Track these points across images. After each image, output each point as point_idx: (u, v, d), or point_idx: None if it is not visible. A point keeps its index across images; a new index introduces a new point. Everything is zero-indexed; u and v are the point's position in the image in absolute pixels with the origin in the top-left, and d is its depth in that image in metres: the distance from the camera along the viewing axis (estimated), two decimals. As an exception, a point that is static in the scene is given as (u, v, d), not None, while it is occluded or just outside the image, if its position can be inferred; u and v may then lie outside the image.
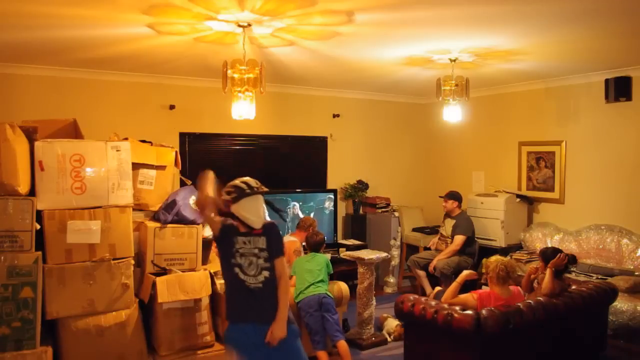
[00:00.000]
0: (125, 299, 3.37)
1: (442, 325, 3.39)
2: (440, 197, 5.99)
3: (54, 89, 5.07)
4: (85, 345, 3.24)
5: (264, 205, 2.90)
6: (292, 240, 4.68)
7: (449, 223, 5.78)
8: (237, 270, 2.80)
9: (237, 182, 2.86)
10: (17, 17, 3.37)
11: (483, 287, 4.07)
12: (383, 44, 4.13)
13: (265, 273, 2.81)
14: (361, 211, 6.77)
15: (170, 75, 5.53)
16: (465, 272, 3.88)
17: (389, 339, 4.76)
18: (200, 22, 3.47)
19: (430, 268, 5.59)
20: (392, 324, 4.85)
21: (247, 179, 2.88)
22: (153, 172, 3.79)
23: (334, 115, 6.69)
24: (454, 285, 3.77)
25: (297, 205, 6.06)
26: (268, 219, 3.01)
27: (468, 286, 3.85)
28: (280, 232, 2.99)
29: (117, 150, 3.41)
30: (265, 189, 2.88)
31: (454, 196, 5.82)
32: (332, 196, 6.39)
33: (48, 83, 5.05)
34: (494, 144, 6.59)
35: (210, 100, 5.68)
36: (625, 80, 5.11)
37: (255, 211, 2.82)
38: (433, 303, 3.61)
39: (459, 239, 5.57)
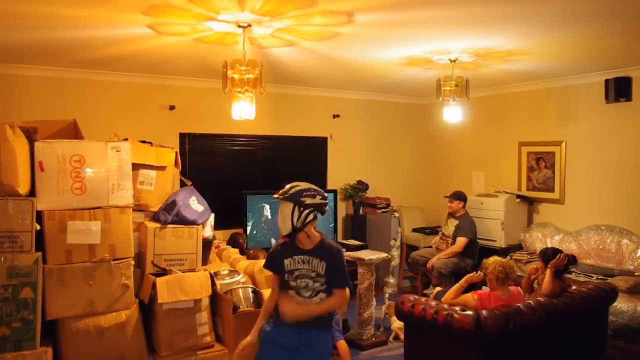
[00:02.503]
0: (125, 300, 3.37)
1: (442, 326, 3.39)
2: (446, 197, 5.98)
3: (54, 89, 5.07)
4: (85, 346, 3.24)
5: (289, 212, 2.63)
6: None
7: (452, 223, 5.78)
8: (292, 292, 2.69)
9: None
10: (17, 18, 3.37)
11: (483, 287, 4.06)
12: (383, 45, 4.13)
13: (322, 295, 2.67)
14: (361, 211, 6.77)
15: (170, 76, 5.53)
16: (470, 275, 3.86)
17: (400, 336, 4.70)
18: (200, 22, 3.47)
19: (429, 265, 5.61)
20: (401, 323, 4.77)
21: (292, 183, 2.70)
22: (153, 173, 3.78)
23: (334, 116, 6.69)
24: (457, 286, 3.76)
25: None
26: (319, 231, 2.78)
27: (470, 286, 3.84)
28: (343, 257, 2.74)
29: (117, 151, 3.40)
30: (289, 196, 2.65)
31: (460, 196, 5.82)
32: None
33: (48, 83, 5.05)
34: (494, 144, 6.59)
35: (210, 100, 5.68)
36: (625, 81, 5.11)
37: (281, 217, 2.66)
38: (433, 303, 3.61)
39: (461, 241, 5.58)
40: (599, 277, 4.82)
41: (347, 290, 2.77)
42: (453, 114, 4.86)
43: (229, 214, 5.57)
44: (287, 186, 2.71)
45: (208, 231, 3.89)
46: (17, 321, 3.03)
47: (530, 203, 6.10)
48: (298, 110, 6.45)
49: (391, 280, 6.40)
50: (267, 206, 5.82)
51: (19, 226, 3.04)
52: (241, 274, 3.93)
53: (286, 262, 2.71)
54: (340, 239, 6.57)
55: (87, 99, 5.20)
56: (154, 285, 3.38)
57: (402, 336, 4.69)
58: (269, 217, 5.81)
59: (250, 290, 3.75)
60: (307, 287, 2.67)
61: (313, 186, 2.72)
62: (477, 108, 6.31)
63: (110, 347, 3.30)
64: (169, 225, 3.59)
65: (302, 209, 2.63)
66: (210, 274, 3.67)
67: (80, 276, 3.24)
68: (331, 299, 2.68)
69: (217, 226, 4.16)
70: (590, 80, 5.43)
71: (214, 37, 3.81)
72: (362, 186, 6.70)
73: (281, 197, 2.67)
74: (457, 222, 5.74)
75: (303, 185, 2.70)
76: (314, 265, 2.67)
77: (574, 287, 4.12)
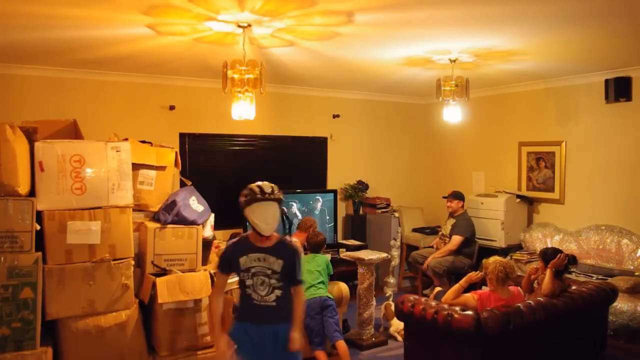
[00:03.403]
0: (125, 300, 3.37)
1: (442, 326, 3.39)
2: (444, 197, 5.98)
3: (54, 89, 5.07)
4: (85, 346, 3.24)
5: (277, 213, 2.74)
6: (293, 240, 4.67)
7: (450, 223, 5.79)
8: (249, 291, 2.75)
9: (253, 185, 2.76)
10: (17, 17, 3.37)
11: (483, 287, 4.06)
12: (383, 45, 4.13)
13: (278, 292, 2.74)
14: (361, 211, 6.76)
15: (170, 76, 5.53)
16: (470, 274, 3.86)
17: (398, 338, 4.71)
18: (200, 22, 3.47)
19: (424, 266, 5.62)
20: (400, 325, 4.79)
21: (263, 183, 2.76)
22: (153, 173, 3.78)
23: (334, 116, 6.69)
24: (457, 286, 3.76)
25: (295, 205, 6.06)
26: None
27: (470, 286, 3.84)
28: (301, 257, 2.86)
29: (117, 151, 3.41)
30: (278, 196, 2.73)
31: (458, 196, 5.83)
32: (319, 197, 6.37)
33: (48, 83, 5.05)
34: (494, 144, 6.59)
35: (210, 100, 5.68)
36: (625, 81, 5.11)
37: (263, 218, 2.70)
38: (433, 303, 3.61)
39: (456, 239, 5.59)
40: (599, 277, 4.82)
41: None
42: (453, 114, 4.86)
43: (229, 214, 5.55)
44: (267, 185, 2.75)
45: (208, 231, 3.89)
46: (17, 321, 3.03)
47: (530, 203, 6.10)
48: (298, 110, 6.45)
49: (391, 280, 6.40)
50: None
51: (19, 226, 3.04)
52: (241, 274, 3.93)
53: (242, 260, 2.75)
54: (340, 239, 6.57)
55: (87, 99, 5.20)
56: (154, 285, 3.38)
57: (399, 338, 4.70)
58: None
59: (250, 290, 3.75)
60: (263, 284, 2.72)
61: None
62: (477, 108, 6.31)
63: (110, 347, 3.30)
64: (169, 225, 3.59)
65: (281, 207, 2.75)
66: (210, 273, 3.67)
67: (80, 276, 3.24)
68: (299, 298, 2.85)
69: (217, 226, 4.16)
70: (590, 80, 5.43)
71: (213, 37, 3.81)
72: (362, 186, 6.70)
73: (266, 198, 2.71)
74: (454, 221, 5.75)
75: (271, 183, 2.79)
76: (270, 262, 2.73)
77: (574, 287, 4.12)
